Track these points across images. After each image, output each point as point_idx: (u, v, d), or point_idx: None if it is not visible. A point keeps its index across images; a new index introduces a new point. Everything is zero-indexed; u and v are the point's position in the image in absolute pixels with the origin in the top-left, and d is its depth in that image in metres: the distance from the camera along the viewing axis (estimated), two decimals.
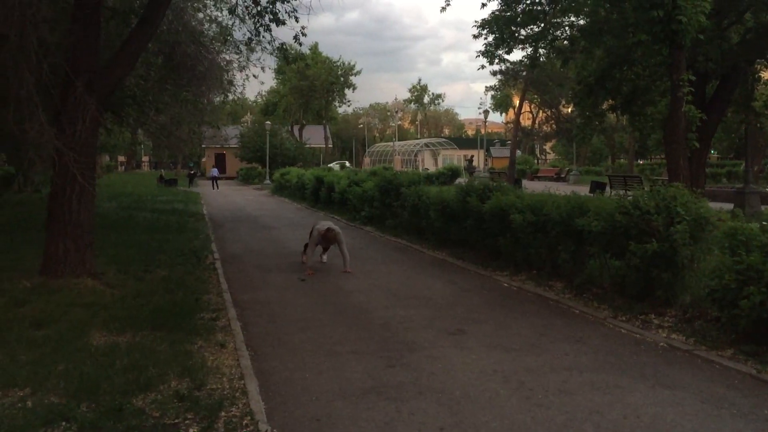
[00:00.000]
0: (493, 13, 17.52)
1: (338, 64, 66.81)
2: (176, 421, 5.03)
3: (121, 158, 76.76)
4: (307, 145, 60.64)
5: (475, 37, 18.08)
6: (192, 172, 54.00)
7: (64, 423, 4.88)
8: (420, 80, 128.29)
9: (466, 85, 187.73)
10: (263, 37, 13.11)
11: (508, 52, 18.15)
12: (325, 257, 12.70)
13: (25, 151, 13.32)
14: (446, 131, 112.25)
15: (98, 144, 12.56)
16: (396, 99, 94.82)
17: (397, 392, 5.77)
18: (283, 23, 12.49)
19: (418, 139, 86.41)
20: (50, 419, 4.91)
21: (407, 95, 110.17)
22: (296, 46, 13.66)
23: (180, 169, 64.62)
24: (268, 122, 52.79)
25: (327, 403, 5.55)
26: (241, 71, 18.45)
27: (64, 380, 5.69)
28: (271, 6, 12.26)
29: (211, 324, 7.90)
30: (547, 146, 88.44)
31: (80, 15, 9.67)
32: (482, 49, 18.05)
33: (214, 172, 48.39)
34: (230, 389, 5.74)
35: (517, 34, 17.55)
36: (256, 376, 6.15)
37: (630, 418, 5.19)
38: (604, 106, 18.68)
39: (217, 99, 22.24)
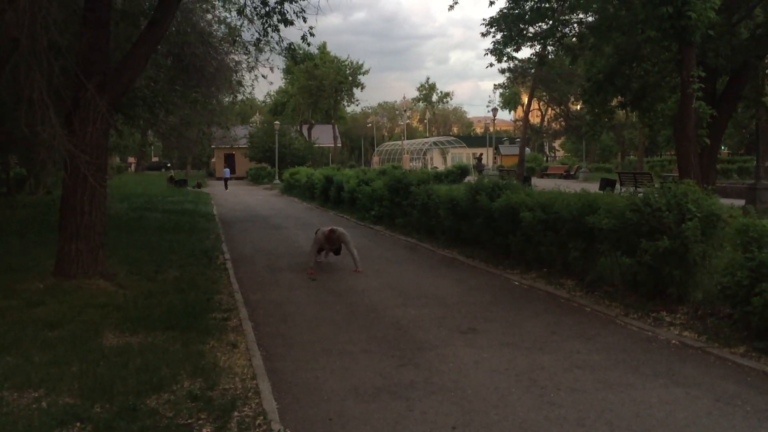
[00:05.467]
0: (501, 10, 17.45)
1: (346, 63, 66.75)
2: (189, 421, 5.06)
3: (132, 159, 77.08)
4: (316, 145, 60.76)
5: (484, 35, 18.01)
6: (176, 179, 47.94)
7: (78, 424, 4.92)
8: (428, 79, 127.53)
9: (475, 84, 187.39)
10: (271, 37, 13.21)
11: (517, 50, 18.08)
12: (323, 256, 12.58)
13: (36, 153, 13.42)
14: (455, 129, 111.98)
15: (109, 145, 12.63)
16: (404, 98, 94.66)
17: (408, 391, 5.78)
18: (291, 23, 12.54)
19: (426, 137, 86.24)
20: (65, 420, 4.95)
21: (416, 94, 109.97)
22: (304, 46, 13.75)
23: (189, 170, 64.79)
24: (277, 122, 52.86)
25: (339, 402, 5.56)
26: (249, 72, 18.54)
27: (78, 381, 5.73)
28: (279, 6, 12.31)
29: (222, 324, 7.93)
30: (557, 143, 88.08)
31: (90, 17, 9.74)
32: (490, 47, 18.01)
33: (227, 173, 48.69)
34: (243, 389, 5.76)
35: (525, 32, 17.47)
36: (269, 375, 6.18)
37: (643, 416, 5.18)
38: (614, 103, 18.58)
39: (227, 99, 22.37)
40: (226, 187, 45.06)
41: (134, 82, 12.15)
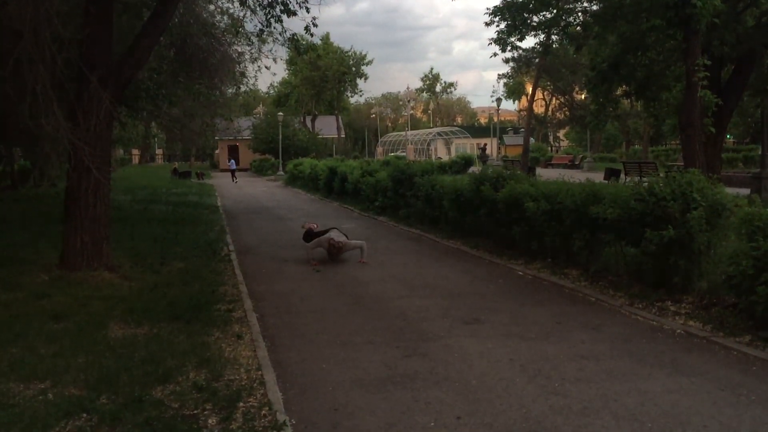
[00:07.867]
0: None
1: (350, 54, 66.53)
2: (195, 411, 5.08)
3: (135, 151, 77.02)
4: (320, 136, 60.59)
5: (487, 24, 17.96)
6: (180, 171, 48.09)
7: (84, 415, 4.94)
8: (432, 69, 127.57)
9: (478, 74, 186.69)
10: (274, 28, 13.13)
11: (521, 39, 18.00)
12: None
13: (41, 146, 13.42)
14: (459, 120, 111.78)
15: (113, 138, 12.62)
16: (408, 88, 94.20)
17: (413, 381, 5.79)
18: (294, 14, 12.50)
19: (430, 128, 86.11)
20: (71, 411, 4.97)
21: (419, 84, 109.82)
22: (307, 36, 13.65)
23: (193, 162, 64.82)
24: (281, 113, 52.78)
25: (344, 392, 5.58)
26: (252, 63, 18.48)
27: (83, 372, 5.76)
28: None
29: (227, 315, 7.95)
30: (561, 133, 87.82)
31: (93, 10, 9.71)
32: (494, 36, 17.95)
33: (233, 164, 48.09)
34: (248, 380, 5.78)
35: (529, 21, 17.40)
36: (273, 366, 6.19)
37: (647, 406, 5.18)
38: (618, 92, 18.53)
39: (230, 91, 22.30)
40: (234, 179, 44.48)
41: (137, 74, 12.13)
